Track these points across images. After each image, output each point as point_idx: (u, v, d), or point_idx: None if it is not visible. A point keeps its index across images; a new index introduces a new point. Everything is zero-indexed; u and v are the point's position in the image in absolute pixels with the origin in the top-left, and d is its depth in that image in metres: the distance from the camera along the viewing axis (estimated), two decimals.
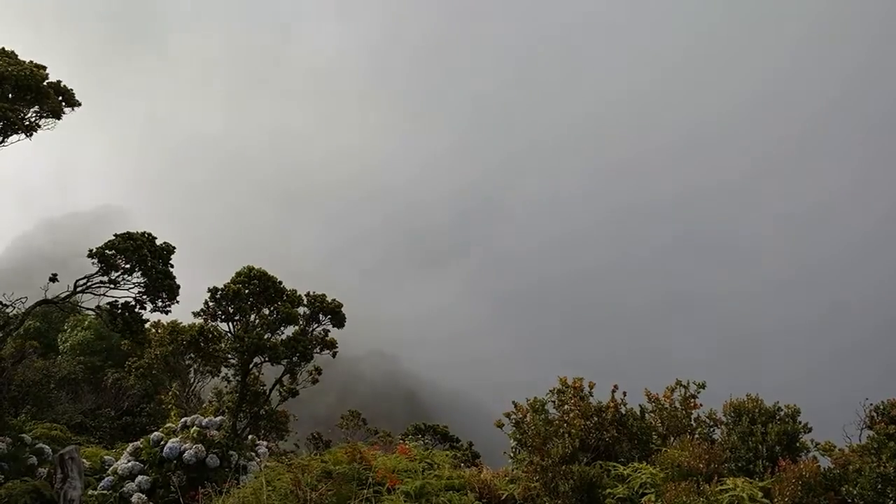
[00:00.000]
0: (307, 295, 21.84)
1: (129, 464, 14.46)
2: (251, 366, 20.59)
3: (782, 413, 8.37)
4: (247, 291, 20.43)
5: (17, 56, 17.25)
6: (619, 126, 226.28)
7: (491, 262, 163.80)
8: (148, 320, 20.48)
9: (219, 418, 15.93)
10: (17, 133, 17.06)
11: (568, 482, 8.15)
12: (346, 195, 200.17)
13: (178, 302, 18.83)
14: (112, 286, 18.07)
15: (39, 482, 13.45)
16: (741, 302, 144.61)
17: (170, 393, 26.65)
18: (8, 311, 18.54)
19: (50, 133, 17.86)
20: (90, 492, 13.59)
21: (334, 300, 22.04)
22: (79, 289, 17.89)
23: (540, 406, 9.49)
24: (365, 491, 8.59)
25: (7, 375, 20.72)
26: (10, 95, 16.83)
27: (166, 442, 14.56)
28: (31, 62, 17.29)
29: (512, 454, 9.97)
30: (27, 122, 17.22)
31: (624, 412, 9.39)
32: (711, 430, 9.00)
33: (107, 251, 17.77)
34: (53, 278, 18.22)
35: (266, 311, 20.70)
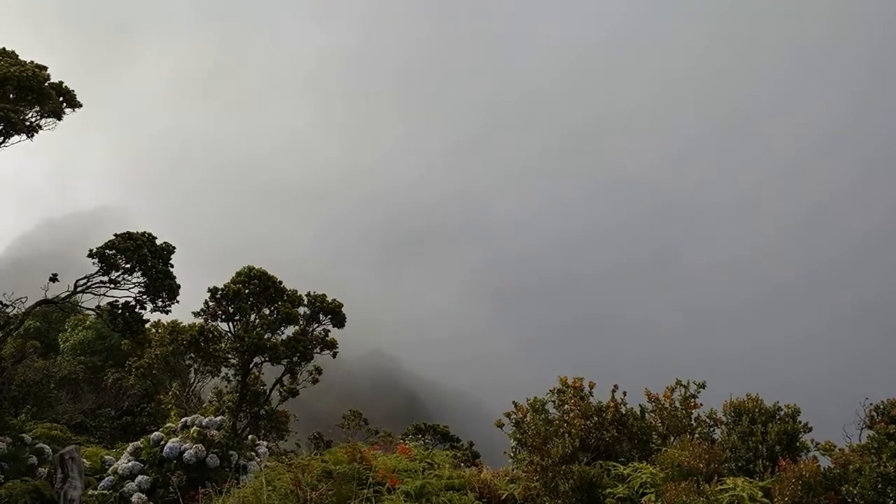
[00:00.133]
0: (307, 295, 21.84)
1: (130, 464, 14.45)
2: (251, 366, 20.60)
3: (782, 413, 8.37)
4: (247, 291, 20.44)
5: (18, 56, 17.26)
6: (622, 130, 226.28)
7: (491, 263, 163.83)
8: (148, 320, 20.49)
9: (219, 418, 15.92)
10: (18, 133, 17.07)
11: (568, 482, 8.15)
12: (346, 195, 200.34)
13: (178, 302, 18.83)
14: (112, 286, 18.07)
15: (39, 482, 13.45)
16: (741, 303, 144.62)
17: (170, 393, 26.65)
18: (8, 310, 18.55)
19: (51, 133, 17.89)
20: (90, 492, 13.59)
21: (334, 300, 22.05)
22: (79, 289, 17.89)
23: (540, 406, 9.49)
24: (365, 491, 8.60)
25: (7, 375, 20.72)
26: (11, 96, 16.83)
27: (166, 442, 14.55)
28: (33, 63, 17.29)
29: (512, 454, 9.97)
30: (28, 123, 17.23)
31: (624, 412, 9.39)
32: (711, 429, 9.00)
33: (107, 251, 17.77)
34: (54, 278, 18.23)
35: (266, 311, 20.71)
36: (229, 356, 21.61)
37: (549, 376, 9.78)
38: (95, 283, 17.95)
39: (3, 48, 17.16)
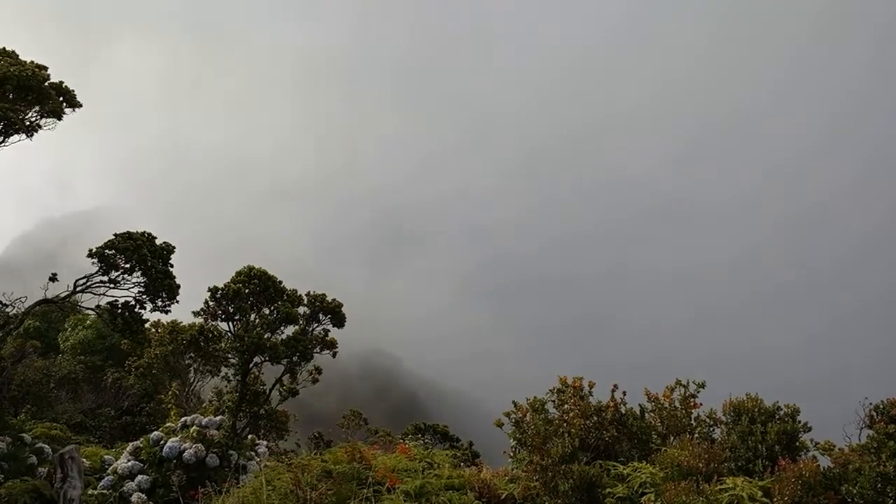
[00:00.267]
0: (307, 294, 21.86)
1: (129, 463, 14.45)
2: (251, 365, 20.61)
3: (782, 412, 8.37)
4: (247, 291, 20.45)
5: (18, 56, 17.26)
6: (622, 130, 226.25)
7: (491, 262, 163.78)
8: (148, 320, 20.52)
9: (219, 418, 15.93)
10: (17, 133, 17.07)
11: (568, 481, 8.16)
12: (346, 194, 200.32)
13: (177, 301, 18.84)
14: (112, 286, 18.09)
15: (39, 482, 13.45)
16: (741, 303, 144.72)
17: (170, 392, 26.65)
18: (8, 310, 18.55)
19: (50, 133, 17.89)
20: (90, 491, 13.58)
21: (334, 300, 22.06)
22: (78, 288, 17.90)
23: (540, 405, 9.49)
24: (365, 490, 8.60)
25: (7, 375, 20.73)
26: (10, 96, 16.83)
27: (166, 441, 14.55)
28: (33, 62, 17.29)
29: (512, 453, 9.97)
30: (28, 123, 17.23)
31: (623, 412, 9.39)
32: (711, 429, 9.00)
33: (107, 251, 17.78)
34: (53, 278, 18.25)
35: (266, 311, 20.73)
36: (229, 356, 21.63)
37: (549, 376, 9.79)
38: (95, 283, 17.96)
39: (3, 48, 17.16)
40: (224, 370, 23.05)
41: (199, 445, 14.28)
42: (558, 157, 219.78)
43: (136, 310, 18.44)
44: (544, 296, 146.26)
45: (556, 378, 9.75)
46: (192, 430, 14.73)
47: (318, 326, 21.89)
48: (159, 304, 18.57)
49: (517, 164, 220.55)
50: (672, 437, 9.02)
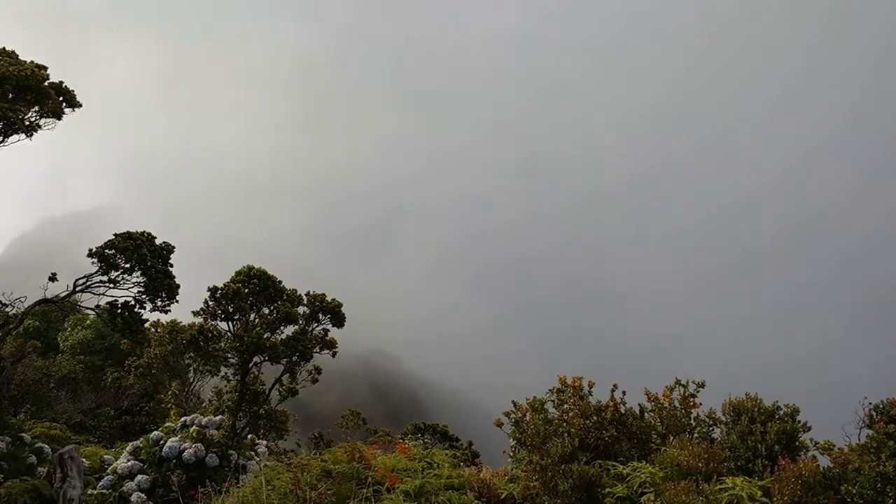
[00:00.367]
0: (307, 294, 21.85)
1: (129, 463, 14.45)
2: (251, 365, 20.61)
3: (781, 412, 8.36)
4: (246, 291, 20.45)
5: (17, 56, 17.24)
6: (622, 130, 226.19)
7: (492, 263, 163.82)
8: (147, 320, 20.48)
9: (218, 417, 15.93)
10: (17, 133, 17.06)
11: (567, 481, 8.15)
12: (346, 194, 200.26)
13: (177, 301, 18.83)
14: (112, 286, 18.08)
15: (39, 481, 13.45)
16: (742, 303, 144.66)
17: (169, 392, 26.64)
18: (7, 310, 18.55)
19: (50, 133, 17.87)
20: (89, 491, 13.58)
21: (334, 300, 22.05)
22: (78, 288, 17.89)
23: (539, 405, 9.48)
24: (364, 490, 8.59)
25: (7, 375, 20.72)
26: (10, 95, 16.82)
27: (166, 441, 14.55)
28: (32, 62, 17.27)
29: (511, 453, 9.96)
30: (27, 123, 17.21)
31: (623, 411, 9.38)
32: (711, 429, 8.99)
33: (106, 251, 17.77)
34: (53, 278, 18.24)
35: (266, 311, 20.73)
36: (229, 356, 21.63)
37: (550, 376, 9.79)
38: (95, 283, 17.96)
39: (3, 48, 17.15)
40: (224, 370, 23.06)
41: (199, 445, 14.28)
42: (558, 159, 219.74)
43: (136, 310, 18.43)
44: (545, 297, 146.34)
45: (555, 378, 9.75)
46: (191, 430, 14.73)
47: (317, 326, 21.89)
48: (159, 303, 18.56)
49: (518, 166, 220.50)
50: (672, 437, 9.01)
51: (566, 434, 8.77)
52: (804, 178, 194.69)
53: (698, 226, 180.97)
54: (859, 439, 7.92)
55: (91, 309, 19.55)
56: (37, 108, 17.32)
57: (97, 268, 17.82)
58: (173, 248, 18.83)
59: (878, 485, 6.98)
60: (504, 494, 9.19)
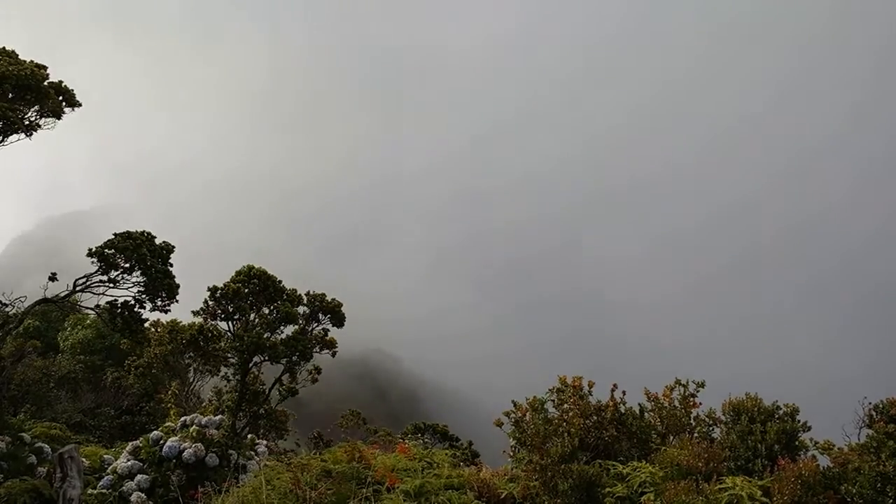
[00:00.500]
0: (307, 294, 21.84)
1: (129, 463, 14.45)
2: (251, 365, 20.60)
3: (781, 412, 8.37)
4: (246, 290, 20.44)
5: (17, 56, 17.24)
6: (622, 131, 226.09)
7: (492, 264, 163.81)
8: (147, 319, 20.48)
9: (218, 417, 15.93)
10: (16, 133, 17.05)
11: (567, 481, 8.15)
12: (346, 194, 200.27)
13: (177, 301, 18.82)
14: (111, 285, 18.07)
15: (39, 481, 13.45)
16: (742, 305, 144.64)
17: (169, 392, 26.64)
18: (7, 310, 18.55)
19: (50, 133, 17.87)
20: (89, 491, 13.58)
21: (334, 299, 22.04)
22: (78, 288, 17.89)
23: (539, 405, 9.48)
24: (364, 490, 8.59)
25: (7, 374, 20.72)
26: (10, 95, 16.81)
27: (166, 441, 14.55)
28: (32, 62, 17.26)
29: (511, 453, 9.96)
30: (27, 122, 17.21)
31: (623, 411, 9.38)
32: (711, 428, 8.99)
33: (106, 250, 17.77)
34: (53, 277, 18.23)
35: (266, 311, 20.72)
36: (229, 355, 21.62)
37: (550, 375, 9.79)
38: (95, 283, 17.95)
39: (3, 48, 17.14)
40: (224, 370, 23.05)
41: (199, 445, 14.28)
42: (559, 159, 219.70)
43: (136, 309, 18.43)
44: (545, 297, 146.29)
45: (555, 377, 9.75)
46: (191, 430, 14.73)
47: (317, 326, 21.87)
48: (159, 303, 18.56)
49: (518, 168, 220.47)
50: (671, 437, 9.01)
51: (566, 434, 8.76)
52: (804, 178, 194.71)
53: (698, 226, 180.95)
54: (859, 439, 7.92)
55: (91, 309, 19.55)
56: (36, 107, 17.32)
57: (97, 267, 17.82)
58: (173, 247, 18.83)
59: (878, 484, 6.98)
60: (504, 494, 9.19)
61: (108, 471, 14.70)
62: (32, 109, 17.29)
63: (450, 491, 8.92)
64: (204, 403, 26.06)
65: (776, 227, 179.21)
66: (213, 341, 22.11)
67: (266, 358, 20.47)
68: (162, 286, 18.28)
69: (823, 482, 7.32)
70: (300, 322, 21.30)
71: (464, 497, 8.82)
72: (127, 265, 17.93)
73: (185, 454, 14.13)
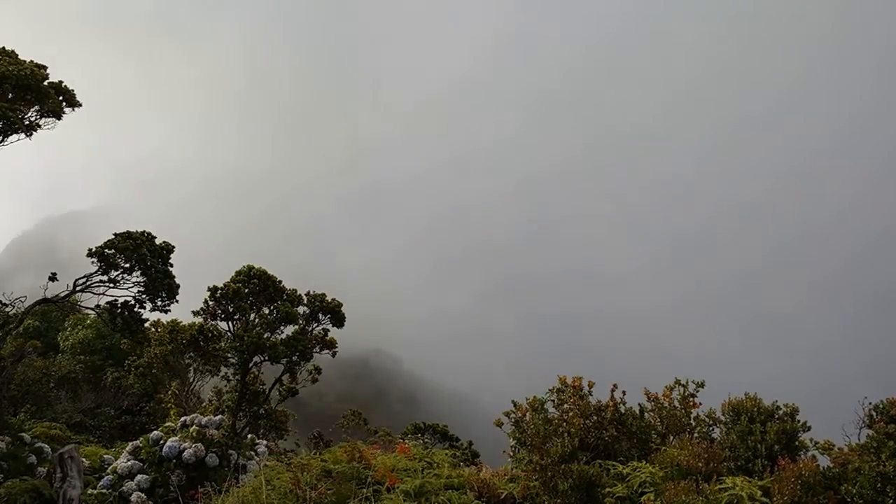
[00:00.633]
0: (307, 294, 21.83)
1: (129, 463, 14.45)
2: (251, 365, 20.59)
3: (781, 412, 8.37)
4: (246, 290, 20.43)
5: (17, 56, 17.24)
6: (623, 132, 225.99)
7: (492, 264, 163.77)
8: (147, 319, 20.48)
9: (218, 417, 15.93)
10: (16, 133, 17.05)
11: (567, 481, 8.15)
12: (345, 194, 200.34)
13: (177, 301, 18.82)
14: (112, 285, 18.07)
15: (39, 481, 13.45)
16: (741, 302, 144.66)
17: (169, 392, 26.63)
18: (7, 310, 18.55)
19: (50, 133, 17.87)
20: (89, 491, 13.59)
21: (334, 299, 22.03)
22: (78, 288, 17.89)
23: (539, 405, 9.48)
24: (364, 490, 8.59)
25: (7, 374, 20.71)
26: (10, 95, 16.82)
27: (166, 441, 14.56)
28: (32, 62, 17.27)
29: (511, 453, 9.96)
30: (27, 122, 17.21)
31: (623, 411, 9.38)
32: (710, 429, 8.99)
33: (106, 250, 17.77)
34: (53, 277, 18.24)
35: (266, 311, 20.71)
36: (229, 355, 21.62)
37: (550, 376, 9.79)
38: (95, 283, 17.95)
39: (3, 48, 17.14)
40: (224, 370, 23.04)
41: (199, 445, 14.28)
42: (559, 160, 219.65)
43: (136, 309, 18.43)
44: (546, 299, 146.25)
45: (555, 378, 9.75)
46: (191, 430, 14.74)
47: (317, 326, 21.86)
48: (159, 303, 18.56)
49: (519, 170, 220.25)
50: (671, 437, 9.01)
51: (566, 434, 8.76)
52: (806, 179, 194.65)
53: (699, 227, 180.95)
54: (859, 439, 7.91)
55: (91, 309, 19.54)
56: (36, 107, 17.32)
57: (97, 267, 17.82)
58: (173, 247, 18.84)
59: (878, 485, 6.98)
60: (504, 494, 9.19)
61: (108, 471, 14.71)
62: (32, 109, 17.29)
63: (450, 491, 8.92)
64: (204, 403, 26.05)
65: (779, 229, 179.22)
66: (214, 341, 22.11)
67: (266, 358, 20.46)
68: (162, 286, 18.28)
69: (823, 482, 7.32)
70: (300, 322, 21.29)
71: (464, 497, 8.82)
72: (127, 265, 17.93)
73: (185, 454, 14.14)
